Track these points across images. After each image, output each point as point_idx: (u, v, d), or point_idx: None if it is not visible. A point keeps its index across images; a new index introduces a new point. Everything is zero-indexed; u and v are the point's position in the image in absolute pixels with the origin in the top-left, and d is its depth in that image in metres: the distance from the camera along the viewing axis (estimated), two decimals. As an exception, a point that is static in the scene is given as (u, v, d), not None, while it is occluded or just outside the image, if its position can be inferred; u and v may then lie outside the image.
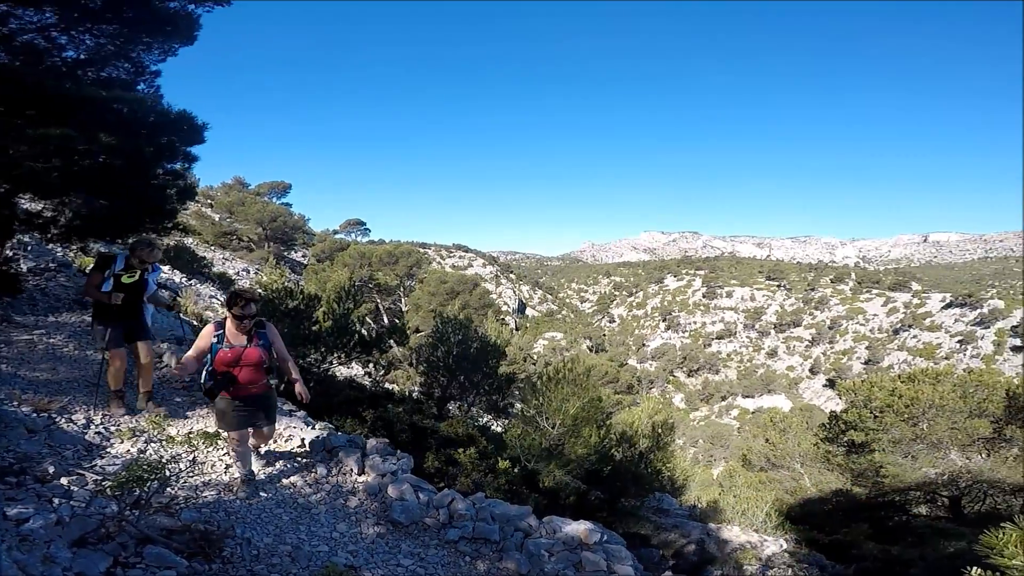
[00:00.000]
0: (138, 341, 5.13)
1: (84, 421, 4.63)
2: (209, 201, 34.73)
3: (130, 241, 5.17)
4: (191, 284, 15.19)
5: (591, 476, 8.61)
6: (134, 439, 4.54)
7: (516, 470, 7.66)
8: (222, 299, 15.33)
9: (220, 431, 4.21)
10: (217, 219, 31.44)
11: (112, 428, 4.68)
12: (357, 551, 3.96)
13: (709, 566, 8.05)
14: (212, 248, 26.29)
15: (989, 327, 61.22)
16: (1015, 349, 57.01)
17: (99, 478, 3.57)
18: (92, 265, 4.99)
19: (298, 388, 4.16)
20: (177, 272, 15.75)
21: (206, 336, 3.98)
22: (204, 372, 4.00)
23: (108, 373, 5.04)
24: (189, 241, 22.62)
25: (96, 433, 4.45)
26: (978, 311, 64.25)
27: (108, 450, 4.30)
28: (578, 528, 5.16)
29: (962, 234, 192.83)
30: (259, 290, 9.63)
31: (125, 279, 4.91)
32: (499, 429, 11.91)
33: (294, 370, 4.26)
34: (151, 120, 7.66)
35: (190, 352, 3.93)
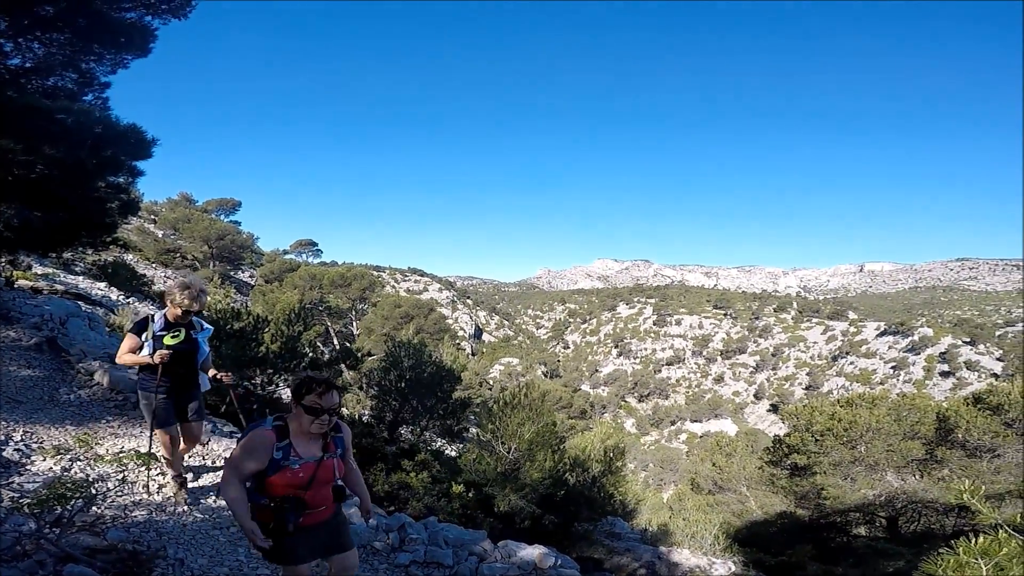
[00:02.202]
0: (190, 422, 4.17)
1: (2, 437, 4.27)
2: (153, 217, 33.37)
3: (165, 287, 3.98)
4: (129, 302, 14.45)
5: (545, 500, 8.52)
6: (58, 457, 4.22)
7: (471, 494, 7.52)
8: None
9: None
10: (161, 236, 30.20)
11: (34, 445, 4.34)
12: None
13: (660, 589, 8.04)
14: (154, 266, 25.13)
15: (919, 353, 64.93)
16: (943, 374, 60.53)
17: (16, 495, 3.29)
18: (127, 330, 3.94)
19: (365, 506, 2.94)
20: (115, 289, 14.96)
21: (262, 449, 2.47)
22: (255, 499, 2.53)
23: (159, 451, 4.20)
24: (129, 257, 21.60)
25: (15, 450, 4.12)
26: (909, 339, 68.09)
27: (28, 467, 3.99)
28: (533, 552, 5.11)
29: (894, 264, 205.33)
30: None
31: (168, 340, 3.84)
32: (453, 453, 11.70)
33: (362, 484, 2.98)
34: (97, 132, 7.37)
35: (231, 476, 2.45)
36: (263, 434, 2.52)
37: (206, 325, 4.13)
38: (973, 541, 1.99)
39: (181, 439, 4.16)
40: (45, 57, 7.42)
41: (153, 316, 3.86)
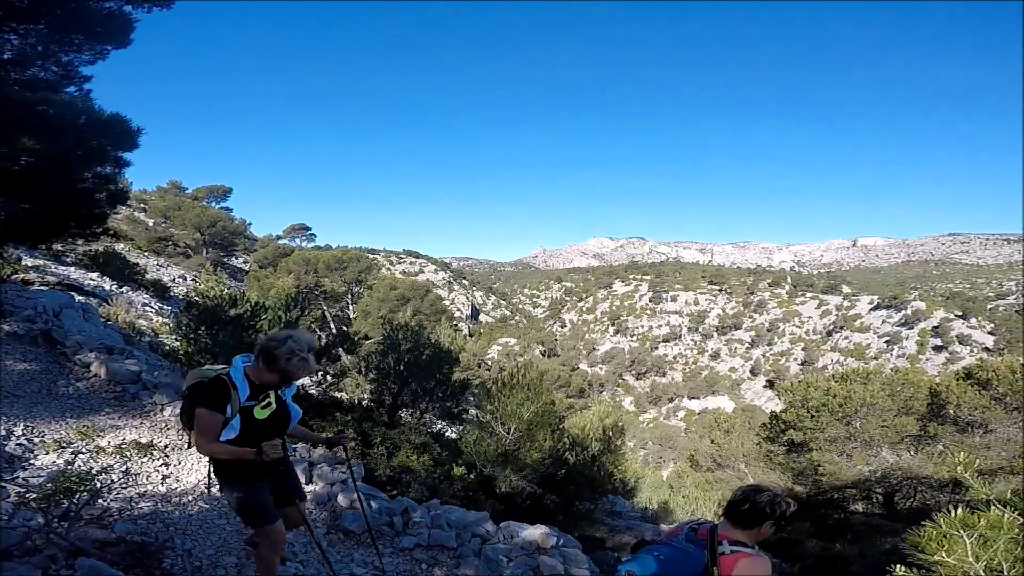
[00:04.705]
0: (294, 506, 3.05)
1: (3, 433, 4.27)
2: (143, 205, 33.09)
3: (260, 340, 2.72)
4: (123, 292, 14.37)
5: (546, 480, 8.62)
6: (60, 450, 4.22)
7: (472, 476, 7.59)
8: (156, 307, 14.55)
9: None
10: (151, 224, 29.97)
11: (36, 439, 4.34)
12: (308, 560, 3.82)
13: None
14: (146, 254, 24.96)
15: (913, 328, 65.49)
16: (936, 348, 61.14)
17: (23, 490, 3.29)
18: (193, 395, 2.65)
19: None
20: (107, 279, 14.87)
21: None
22: None
23: (257, 557, 2.96)
24: (120, 247, 21.43)
25: (18, 445, 4.12)
26: (902, 313, 68.63)
27: (32, 462, 3.99)
28: (535, 533, 5.16)
29: (887, 239, 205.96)
30: (196, 298, 9.12)
31: (260, 412, 2.72)
32: (454, 435, 11.78)
33: None
34: (80, 123, 7.31)
35: None
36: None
37: None
38: (954, 513, 2.02)
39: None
40: (22, 48, 7.29)
41: (230, 376, 2.65)
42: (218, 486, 2.80)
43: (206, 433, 2.56)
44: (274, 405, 2.80)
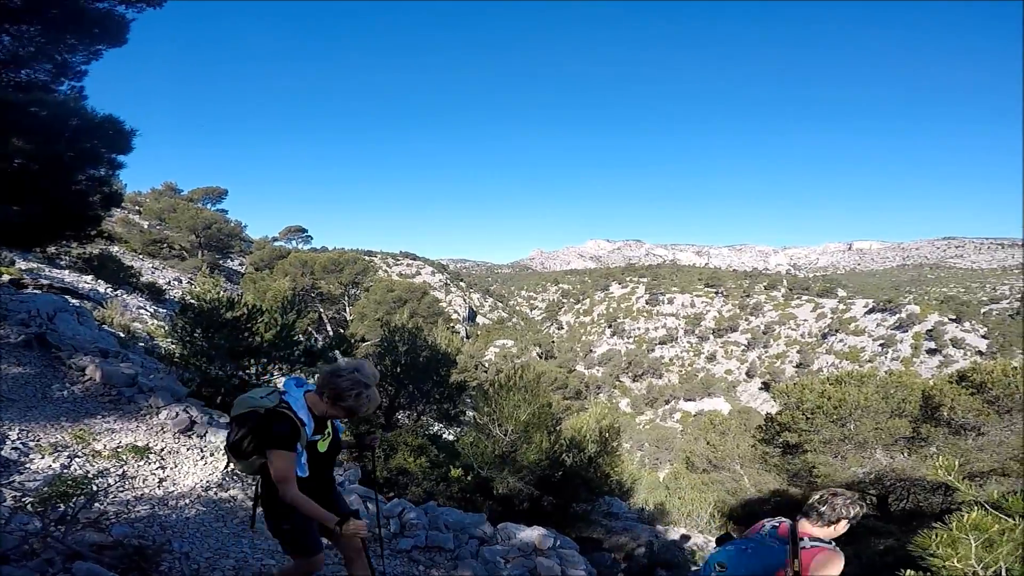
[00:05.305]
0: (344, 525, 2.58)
1: (-2, 437, 4.25)
2: (137, 208, 32.98)
3: (324, 373, 2.53)
4: (118, 295, 14.31)
5: (543, 482, 8.62)
6: (56, 454, 4.20)
7: (469, 478, 7.60)
8: (151, 310, 14.51)
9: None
10: (146, 226, 29.87)
11: (31, 443, 4.31)
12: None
13: (659, 568, 8.19)
14: (141, 257, 24.85)
15: (907, 331, 65.69)
16: (930, 352, 61.36)
17: (18, 494, 3.28)
18: (248, 426, 2.42)
19: None
20: (102, 282, 14.80)
21: None
22: None
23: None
24: (115, 249, 21.34)
25: (13, 449, 4.09)
26: (897, 316, 68.85)
27: (27, 466, 3.97)
28: (532, 534, 5.17)
29: (882, 242, 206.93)
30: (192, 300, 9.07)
31: (322, 445, 2.59)
32: (451, 437, 11.78)
33: None
34: (73, 124, 7.27)
35: None
36: None
37: None
38: (966, 517, 2.02)
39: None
40: (15, 49, 7.27)
41: (293, 410, 2.41)
42: (265, 514, 2.57)
43: (290, 478, 2.35)
44: (331, 435, 2.64)
